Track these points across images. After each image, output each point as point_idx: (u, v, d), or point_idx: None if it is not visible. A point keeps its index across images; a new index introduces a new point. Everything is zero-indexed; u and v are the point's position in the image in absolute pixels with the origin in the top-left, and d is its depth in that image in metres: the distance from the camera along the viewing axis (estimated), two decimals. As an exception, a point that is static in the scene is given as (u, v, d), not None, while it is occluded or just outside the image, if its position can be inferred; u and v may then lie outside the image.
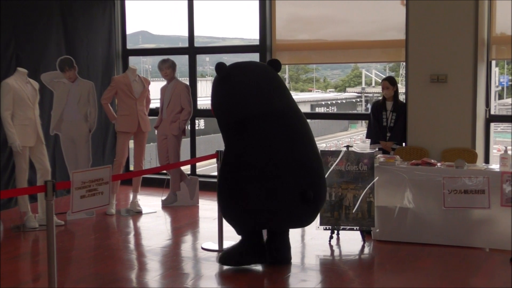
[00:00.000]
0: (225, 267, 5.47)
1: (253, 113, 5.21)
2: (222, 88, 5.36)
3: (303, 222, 5.48)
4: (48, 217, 4.32)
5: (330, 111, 27.98)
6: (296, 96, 31.10)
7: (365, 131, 7.72)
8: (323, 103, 30.21)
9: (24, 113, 6.79)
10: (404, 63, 7.77)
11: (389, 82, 7.33)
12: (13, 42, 7.98)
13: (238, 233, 5.52)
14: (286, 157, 5.20)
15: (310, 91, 33.92)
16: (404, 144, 7.43)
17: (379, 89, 26.17)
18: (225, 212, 5.51)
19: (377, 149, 6.66)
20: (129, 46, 9.92)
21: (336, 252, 6.04)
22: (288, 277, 5.25)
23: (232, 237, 5.77)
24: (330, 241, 6.24)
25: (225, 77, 5.33)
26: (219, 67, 5.32)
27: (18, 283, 5.21)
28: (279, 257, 5.50)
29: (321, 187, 5.40)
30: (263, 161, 5.16)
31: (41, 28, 8.37)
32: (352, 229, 6.22)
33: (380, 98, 7.50)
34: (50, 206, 4.31)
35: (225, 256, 5.47)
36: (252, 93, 5.25)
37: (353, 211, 6.16)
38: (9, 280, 5.20)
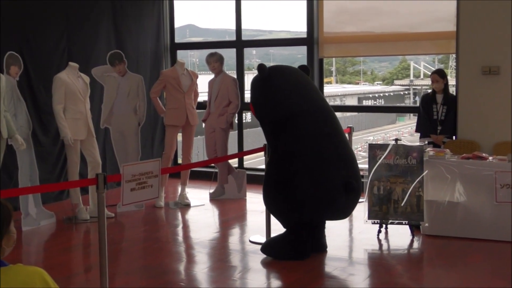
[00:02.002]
0: (273, 260, 5.49)
1: (298, 110, 5.44)
2: (266, 87, 5.57)
3: (345, 213, 5.57)
4: (99, 209, 4.39)
5: (377, 104, 27.76)
6: (343, 88, 30.94)
7: (413, 125, 7.63)
8: (370, 95, 29.98)
9: (76, 107, 6.92)
10: (454, 55, 7.63)
11: (439, 75, 7.21)
12: (65, 37, 8.13)
13: (284, 226, 5.57)
14: (329, 150, 5.36)
15: (357, 83, 33.71)
16: (454, 137, 7.31)
17: (427, 81, 25.79)
18: (271, 205, 5.58)
19: (426, 143, 6.57)
20: (177, 40, 9.99)
21: (385, 246, 5.99)
22: (336, 271, 5.23)
23: (279, 230, 5.77)
24: (378, 235, 6.19)
25: (267, 77, 5.57)
26: (262, 68, 5.58)
27: (70, 273, 5.32)
28: (317, 246, 5.62)
29: (360, 179, 5.55)
30: (309, 154, 5.33)
31: (92, 23, 8.51)
32: (401, 223, 6.16)
33: (430, 91, 7.39)
34: (102, 198, 4.38)
35: (268, 247, 5.60)
36: (295, 92, 5.52)
37: (402, 205, 6.10)
38: (62, 271, 5.31)
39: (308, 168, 5.29)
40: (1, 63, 6.52)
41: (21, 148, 6.52)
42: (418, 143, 6.52)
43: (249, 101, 6.03)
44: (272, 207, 5.57)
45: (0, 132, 6.21)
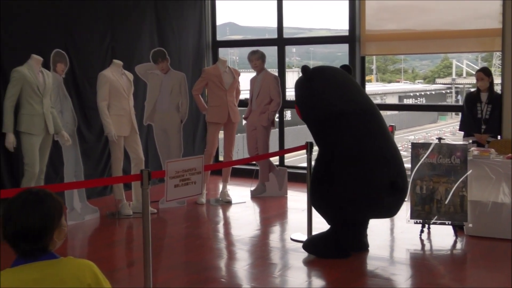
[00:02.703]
0: (314, 258, 5.49)
1: (343, 109, 5.43)
2: (310, 88, 5.58)
3: (391, 212, 5.55)
4: (144, 205, 4.44)
5: (418, 102, 27.43)
6: (384, 87, 30.68)
7: (455, 124, 7.53)
8: (411, 94, 29.65)
9: (120, 103, 7.01)
10: (498, 53, 7.49)
11: (484, 73, 7.10)
12: (109, 35, 8.25)
13: (329, 223, 5.57)
14: (376, 149, 5.35)
15: (398, 82, 33.39)
16: (499, 137, 7.19)
17: (470, 80, 25.48)
18: (318, 202, 5.59)
19: (470, 142, 6.48)
20: (218, 37, 10.04)
21: (427, 247, 5.93)
22: (377, 270, 5.20)
23: (321, 229, 5.76)
24: (420, 235, 6.13)
25: (311, 78, 5.58)
26: (305, 69, 5.60)
27: (113, 268, 5.40)
28: (359, 245, 5.63)
29: (406, 178, 5.52)
30: (356, 153, 5.32)
31: (135, 21, 8.61)
32: (444, 224, 6.09)
33: (474, 89, 7.28)
34: (146, 194, 4.43)
35: (310, 244, 5.63)
36: (340, 91, 5.52)
37: (445, 204, 6.03)
38: (105, 265, 5.38)
39: (355, 167, 5.29)
40: (48, 61, 6.65)
41: (66, 144, 6.64)
42: (461, 142, 6.43)
43: (290, 99, 6.05)
44: (319, 205, 5.59)
45: (47, 128, 6.33)
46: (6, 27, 6.94)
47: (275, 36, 9.39)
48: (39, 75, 6.31)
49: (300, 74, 5.73)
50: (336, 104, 5.43)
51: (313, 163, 6.05)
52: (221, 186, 8.11)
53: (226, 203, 7.80)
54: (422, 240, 6.05)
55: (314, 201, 5.64)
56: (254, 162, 8.51)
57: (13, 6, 7.03)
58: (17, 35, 7.04)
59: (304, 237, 6.00)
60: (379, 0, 8.49)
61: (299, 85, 5.73)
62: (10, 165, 6.98)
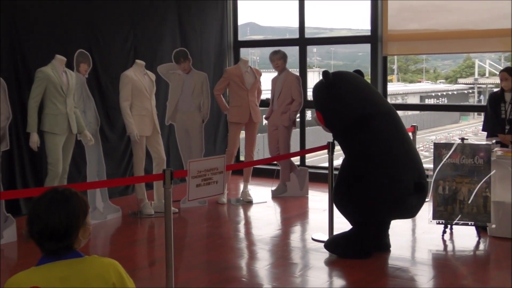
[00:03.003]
0: (335, 258, 5.48)
1: (368, 112, 5.47)
2: (333, 93, 5.58)
3: (413, 212, 5.56)
4: (166, 204, 4.46)
5: (440, 102, 27.24)
6: (405, 87, 30.49)
7: (477, 124, 7.47)
8: (433, 94, 29.45)
9: (142, 103, 7.05)
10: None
11: (508, 73, 7.02)
12: (131, 35, 8.31)
13: (352, 223, 5.57)
14: (400, 150, 5.40)
15: (420, 82, 33.18)
16: (523, 137, 7.11)
17: (493, 80, 25.25)
18: (341, 203, 5.59)
19: (494, 142, 6.43)
20: (239, 37, 10.05)
21: (450, 247, 5.90)
22: (399, 271, 5.18)
23: (342, 229, 5.75)
24: (443, 235, 6.10)
25: (333, 83, 5.58)
26: (326, 74, 5.58)
27: (135, 267, 5.43)
28: (381, 245, 5.62)
29: (426, 179, 5.53)
30: (381, 154, 5.36)
31: (158, 21, 8.66)
32: (467, 224, 6.04)
33: (498, 89, 7.21)
34: (168, 193, 4.45)
35: (331, 244, 5.63)
36: (362, 95, 5.57)
37: (468, 205, 5.99)
38: (127, 264, 5.40)
39: (381, 168, 5.32)
40: (71, 61, 6.71)
41: (89, 143, 6.70)
42: (485, 142, 6.38)
43: (311, 99, 6.03)
44: (342, 205, 5.59)
45: (70, 128, 6.39)
46: (31, 28, 7.02)
47: (296, 36, 9.38)
48: (62, 75, 6.37)
49: (321, 75, 5.72)
50: (361, 107, 5.46)
51: (334, 163, 6.05)
52: (242, 186, 8.12)
53: (247, 203, 7.82)
54: (444, 241, 6.02)
55: (338, 201, 5.63)
56: (275, 162, 8.51)
57: (37, 7, 7.11)
58: (41, 36, 7.12)
59: (325, 237, 5.99)
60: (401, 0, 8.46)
61: (320, 91, 5.72)
62: (34, 165, 7.07)
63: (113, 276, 2.28)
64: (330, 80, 5.57)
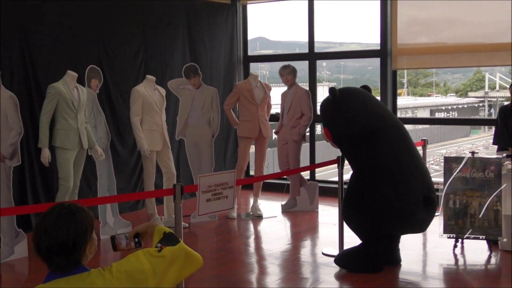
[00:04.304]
0: (345, 272, 5.47)
1: (379, 125, 5.49)
2: (341, 109, 5.60)
3: (423, 227, 5.53)
4: (176, 219, 4.47)
5: (450, 116, 27.19)
6: (415, 101, 30.47)
7: (488, 137, 7.45)
8: (443, 108, 29.41)
9: (152, 118, 7.09)
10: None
11: (518, 86, 7.02)
12: (142, 50, 8.36)
13: (361, 238, 5.55)
14: (409, 164, 5.39)
15: (430, 95, 33.16)
16: (533, 150, 7.09)
17: (503, 93, 25.18)
18: (350, 217, 5.58)
19: (505, 156, 6.41)
20: (249, 52, 10.10)
21: (461, 262, 5.87)
22: (410, 285, 5.16)
23: (352, 243, 5.74)
24: (454, 249, 6.07)
25: (340, 99, 5.61)
26: (334, 91, 5.62)
27: (146, 282, 5.42)
28: (391, 259, 5.61)
29: (435, 192, 5.50)
30: (391, 168, 5.35)
31: (168, 36, 8.71)
32: (478, 238, 6.02)
33: (508, 102, 7.20)
34: (179, 208, 4.46)
35: (342, 259, 5.61)
36: (370, 109, 5.59)
37: (479, 219, 5.96)
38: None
39: (389, 182, 5.30)
40: (83, 76, 6.76)
41: (100, 158, 6.73)
42: (495, 156, 6.36)
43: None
44: (351, 219, 5.57)
45: (81, 143, 6.43)
46: (43, 44, 7.09)
47: (306, 50, 9.41)
48: (74, 91, 6.42)
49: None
50: (368, 123, 5.47)
51: (344, 177, 6.05)
52: (252, 201, 8.12)
53: (257, 217, 7.82)
54: (455, 255, 5.99)
55: (347, 216, 5.62)
56: (285, 177, 8.51)
57: (49, 24, 7.18)
58: (53, 52, 7.19)
59: (335, 251, 5.98)
60: (411, 13, 8.47)
61: (327, 107, 5.75)
62: (45, 180, 7.10)
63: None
64: (337, 96, 5.59)
